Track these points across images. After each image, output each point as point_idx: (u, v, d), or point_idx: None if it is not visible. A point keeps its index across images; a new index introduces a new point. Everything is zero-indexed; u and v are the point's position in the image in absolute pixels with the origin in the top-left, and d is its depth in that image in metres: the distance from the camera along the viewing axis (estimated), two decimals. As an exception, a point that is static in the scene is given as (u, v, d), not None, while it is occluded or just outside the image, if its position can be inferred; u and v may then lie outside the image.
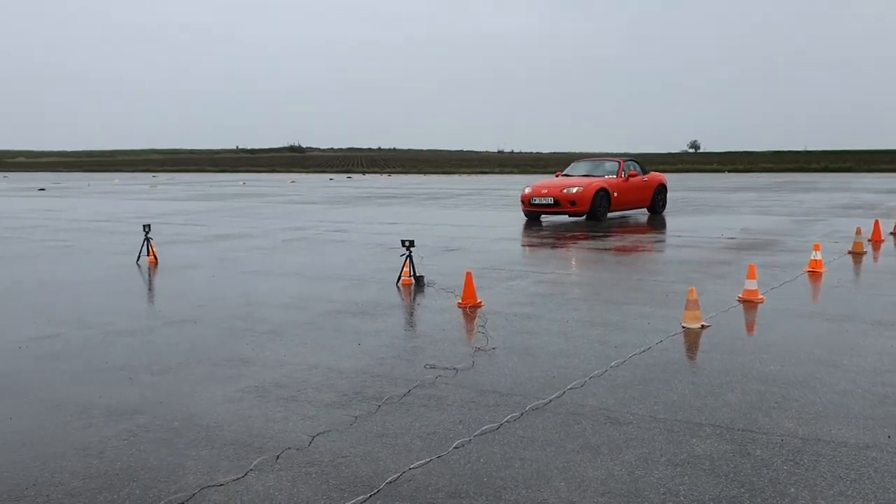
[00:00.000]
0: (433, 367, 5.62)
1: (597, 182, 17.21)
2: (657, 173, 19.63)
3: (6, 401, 4.95)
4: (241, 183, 45.81)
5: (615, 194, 17.36)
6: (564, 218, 17.92)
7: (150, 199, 29.77)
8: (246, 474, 3.76)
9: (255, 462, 3.89)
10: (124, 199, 29.52)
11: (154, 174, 72.52)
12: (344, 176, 60.55)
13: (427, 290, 8.89)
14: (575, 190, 16.84)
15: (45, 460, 3.95)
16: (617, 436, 4.22)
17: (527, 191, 17.57)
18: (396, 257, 10.91)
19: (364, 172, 68.15)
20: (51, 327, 7.03)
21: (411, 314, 7.75)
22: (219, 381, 5.33)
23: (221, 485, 3.65)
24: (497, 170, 71.91)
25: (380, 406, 4.77)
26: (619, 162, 18.26)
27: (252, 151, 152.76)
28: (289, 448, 4.08)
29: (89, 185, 45.76)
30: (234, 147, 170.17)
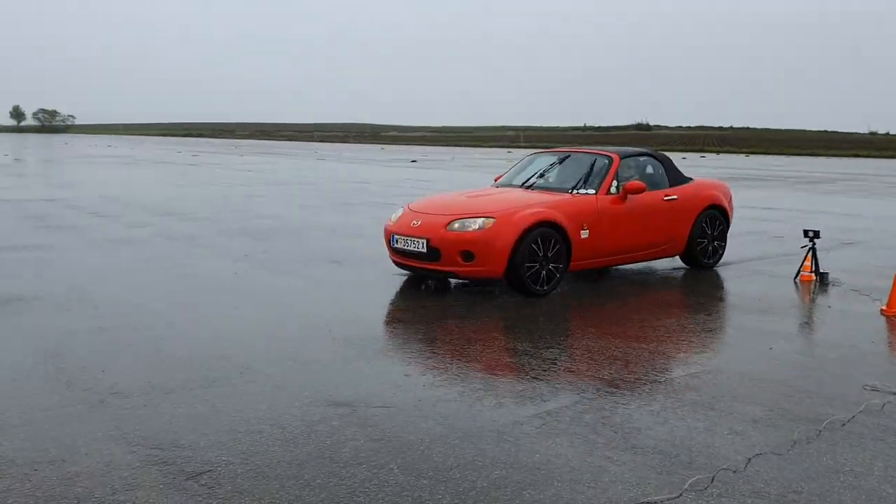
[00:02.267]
0: (875, 390, 4.67)
1: (533, 207, 7.43)
2: (709, 182, 9.50)
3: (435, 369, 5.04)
4: (592, 160, 45.83)
5: (584, 232, 7.59)
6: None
7: (509, 172, 30.87)
8: (681, 494, 3.28)
9: (690, 481, 3.39)
10: (486, 173, 31.04)
11: (509, 150, 75.95)
12: (697, 155, 57.90)
13: (832, 289, 7.72)
14: (476, 226, 7.22)
15: (463, 438, 3.85)
16: None
17: (391, 219, 8.10)
18: (778, 246, 9.78)
19: (718, 152, 64.60)
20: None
21: (820, 318, 6.72)
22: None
23: (655, 503, 3.22)
24: (874, 153, 63.68)
25: (820, 432, 4.00)
26: (610, 157, 8.28)
27: (600, 129, 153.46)
28: (723, 469, 3.52)
29: (453, 158, 49.12)
30: (582, 125, 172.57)
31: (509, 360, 5.24)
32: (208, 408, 4.24)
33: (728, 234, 9.12)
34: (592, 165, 8.22)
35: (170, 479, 3.37)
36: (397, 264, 7.90)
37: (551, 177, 8.44)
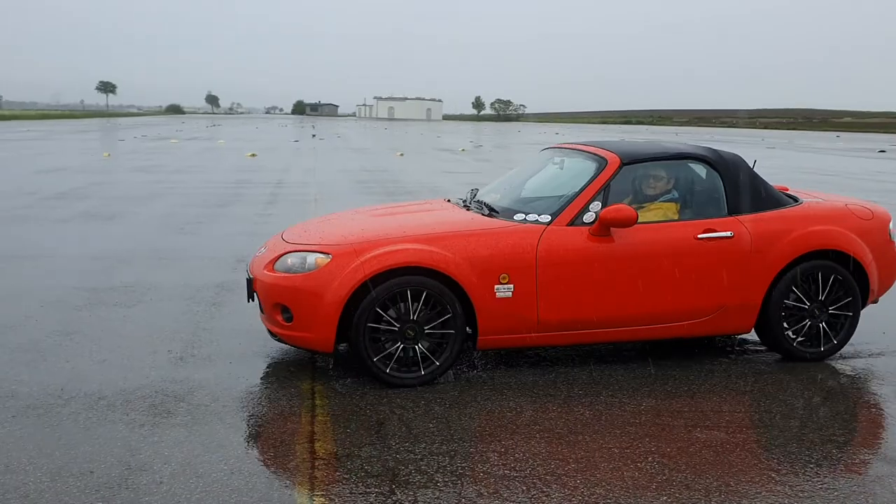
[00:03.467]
0: None
1: (402, 242, 4.36)
2: (829, 207, 4.94)
3: None
4: None
5: (502, 288, 4.32)
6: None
7: None
8: None
9: None
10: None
11: None
12: None
13: None
14: (304, 266, 4.40)
15: None
16: None
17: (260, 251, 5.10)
18: None
19: None
20: None
21: None
22: None
23: None
24: None
25: None
26: (600, 160, 4.76)
27: None
28: None
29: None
30: None
31: None
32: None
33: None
34: (572, 174, 4.98)
35: None
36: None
37: (524, 189, 5.30)
